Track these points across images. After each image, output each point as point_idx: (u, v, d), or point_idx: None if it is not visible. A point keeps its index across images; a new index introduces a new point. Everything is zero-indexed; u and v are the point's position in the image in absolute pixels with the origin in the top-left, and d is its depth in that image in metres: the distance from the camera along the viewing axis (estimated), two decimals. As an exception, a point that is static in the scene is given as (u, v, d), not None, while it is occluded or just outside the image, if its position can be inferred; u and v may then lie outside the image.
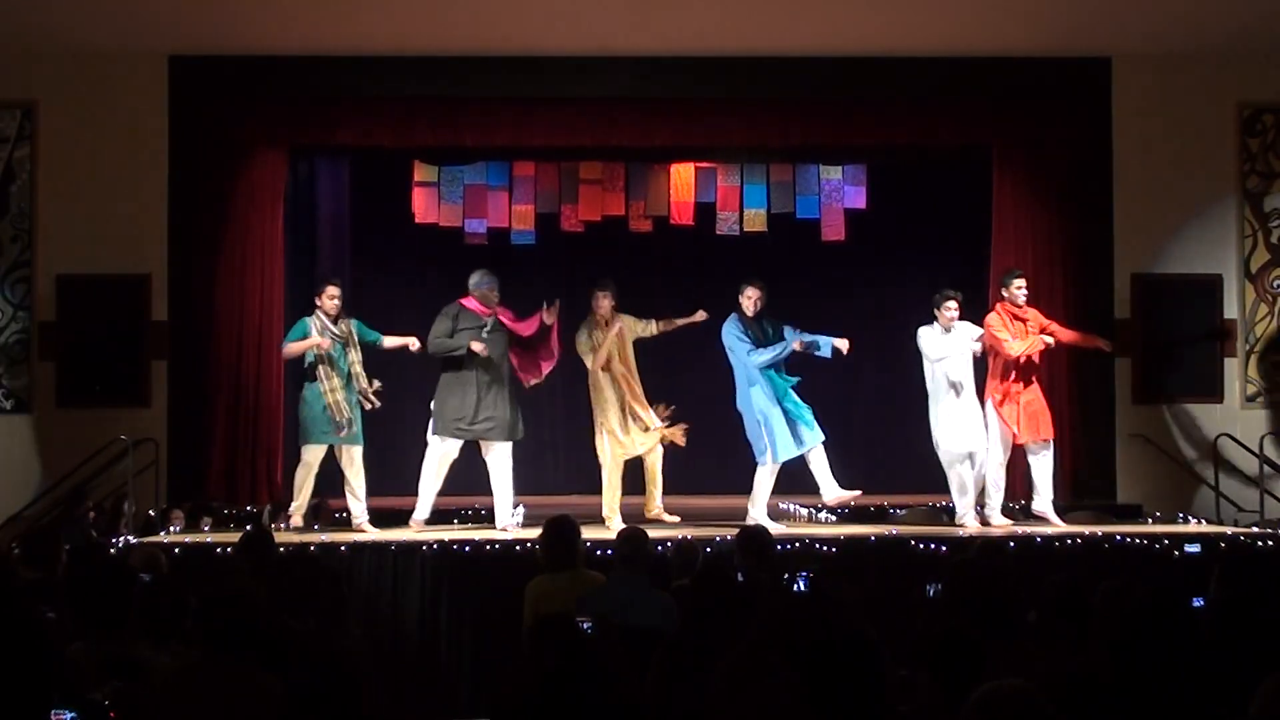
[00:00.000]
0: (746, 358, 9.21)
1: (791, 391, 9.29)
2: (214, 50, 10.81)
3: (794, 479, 10.89)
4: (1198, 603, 4.72)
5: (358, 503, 9.08)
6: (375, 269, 12.02)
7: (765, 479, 9.28)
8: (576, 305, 9.73)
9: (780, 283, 12.32)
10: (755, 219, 11.96)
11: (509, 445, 9.13)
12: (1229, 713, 3.48)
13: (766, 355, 9.20)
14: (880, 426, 11.96)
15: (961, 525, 9.22)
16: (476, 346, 8.95)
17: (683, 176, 11.98)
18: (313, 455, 9.07)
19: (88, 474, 10.44)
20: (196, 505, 10.05)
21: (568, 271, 11.85)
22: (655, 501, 9.70)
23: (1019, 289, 9.47)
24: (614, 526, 8.94)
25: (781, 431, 9.16)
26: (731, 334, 9.29)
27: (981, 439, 9.33)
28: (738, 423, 9.42)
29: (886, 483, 10.72)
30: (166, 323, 10.91)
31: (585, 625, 4.83)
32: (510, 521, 9.07)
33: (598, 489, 9.53)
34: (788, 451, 9.18)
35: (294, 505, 9.10)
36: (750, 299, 9.30)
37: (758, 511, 9.25)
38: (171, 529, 9.35)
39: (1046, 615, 4.44)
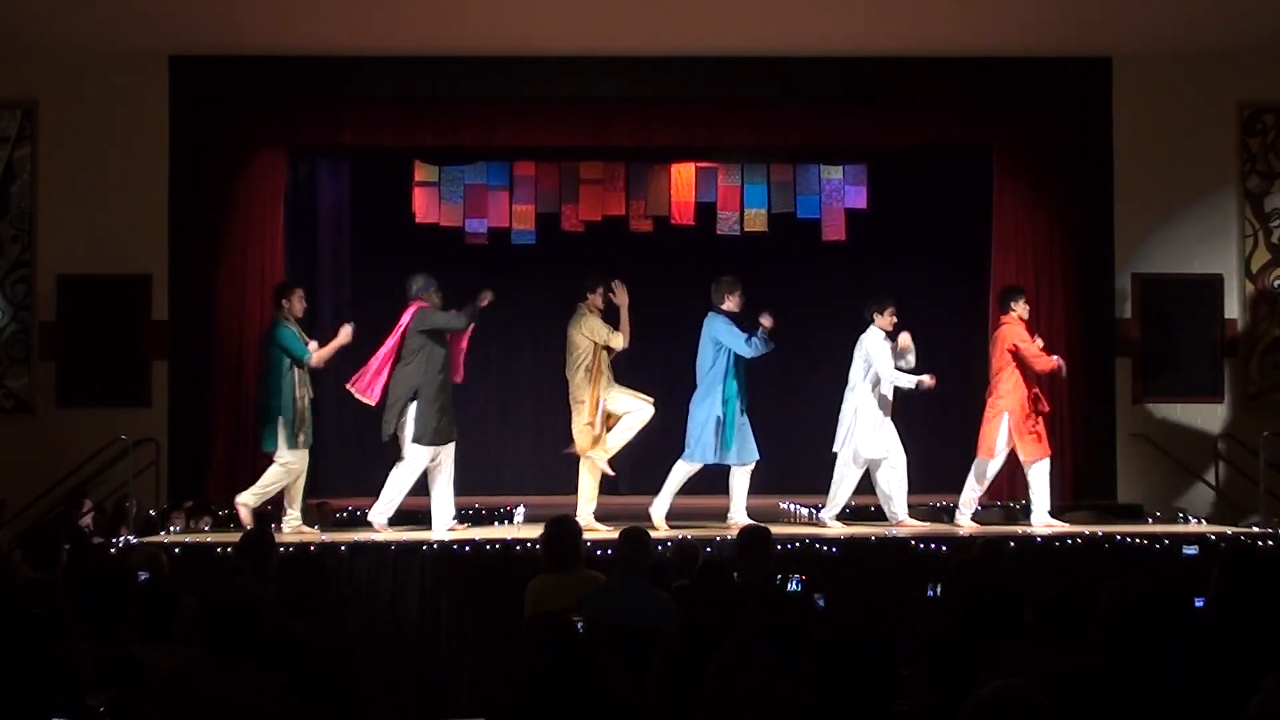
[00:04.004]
0: (744, 346, 9.02)
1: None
2: (214, 50, 10.82)
3: (794, 480, 10.89)
4: (1198, 603, 4.71)
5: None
6: (375, 269, 12.00)
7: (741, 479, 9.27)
8: (575, 306, 9.69)
9: (780, 283, 12.33)
10: (756, 219, 11.95)
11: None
12: (1229, 713, 3.48)
13: (759, 347, 9.05)
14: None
15: (822, 524, 9.26)
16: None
17: (683, 176, 11.97)
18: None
19: (88, 474, 10.44)
20: (197, 505, 10.05)
21: (568, 271, 11.82)
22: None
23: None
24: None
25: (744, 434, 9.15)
26: (723, 328, 9.12)
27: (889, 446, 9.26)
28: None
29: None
30: (166, 323, 10.91)
31: (579, 624, 4.83)
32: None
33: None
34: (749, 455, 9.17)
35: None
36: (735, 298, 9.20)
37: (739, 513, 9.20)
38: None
39: (1040, 615, 4.45)
